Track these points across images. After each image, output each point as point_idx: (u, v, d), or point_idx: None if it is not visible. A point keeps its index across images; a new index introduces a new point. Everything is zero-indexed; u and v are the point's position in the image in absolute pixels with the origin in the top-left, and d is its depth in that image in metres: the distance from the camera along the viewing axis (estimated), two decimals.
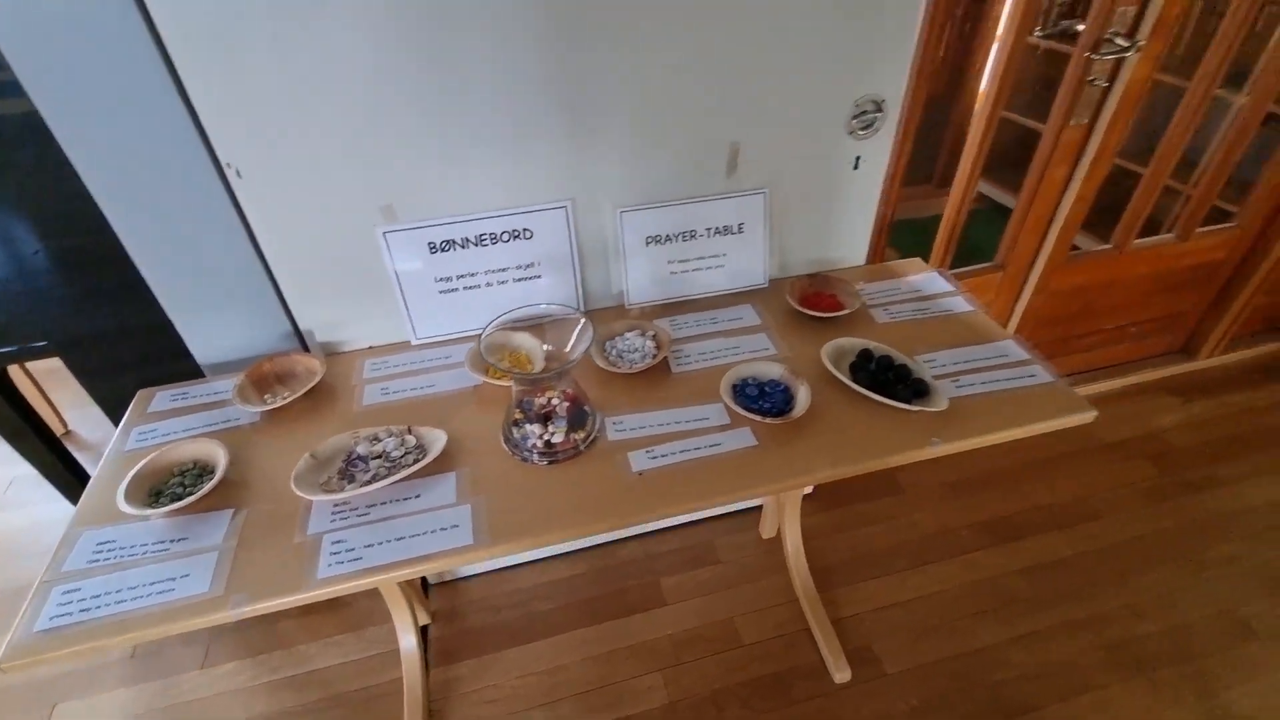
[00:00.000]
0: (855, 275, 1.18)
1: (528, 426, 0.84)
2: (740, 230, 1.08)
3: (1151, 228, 1.77)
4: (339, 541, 0.75)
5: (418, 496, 0.79)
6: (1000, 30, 1.28)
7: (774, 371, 0.93)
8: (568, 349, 0.85)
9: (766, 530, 1.62)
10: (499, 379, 0.94)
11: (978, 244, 1.73)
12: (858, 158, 1.08)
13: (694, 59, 0.91)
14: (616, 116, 0.94)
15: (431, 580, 1.56)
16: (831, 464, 0.83)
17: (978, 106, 1.38)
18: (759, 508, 1.66)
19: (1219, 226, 1.79)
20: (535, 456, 0.84)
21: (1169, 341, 2.07)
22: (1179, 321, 2.01)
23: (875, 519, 1.65)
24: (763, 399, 0.89)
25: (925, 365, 0.96)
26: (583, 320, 0.83)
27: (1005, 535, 1.60)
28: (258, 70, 0.79)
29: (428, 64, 0.83)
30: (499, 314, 0.85)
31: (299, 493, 0.77)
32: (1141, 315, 1.94)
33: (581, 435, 0.86)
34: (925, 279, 1.18)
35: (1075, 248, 1.73)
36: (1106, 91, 1.37)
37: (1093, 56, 1.30)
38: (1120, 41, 1.28)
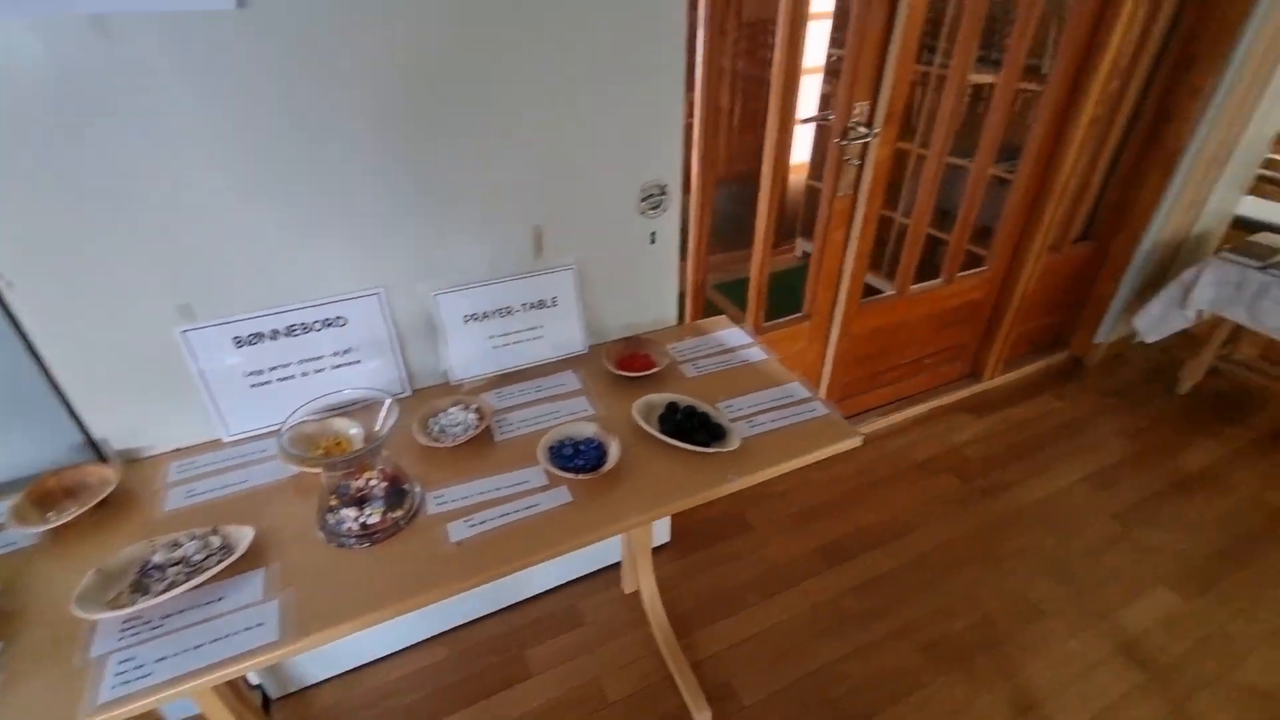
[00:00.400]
0: (668, 335, 1.31)
1: (343, 511, 0.85)
2: (555, 303, 1.17)
3: (934, 272, 2.11)
4: (127, 660, 0.70)
5: (220, 599, 0.77)
6: (769, 121, 1.51)
7: (588, 430, 1.01)
8: (380, 430, 0.88)
9: (628, 585, 1.66)
10: (316, 467, 0.94)
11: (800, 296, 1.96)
12: (653, 233, 1.22)
13: (498, 149, 1.01)
14: (428, 204, 1.01)
15: (272, 694, 1.43)
16: (640, 510, 0.91)
17: (763, 183, 1.60)
18: (619, 564, 1.71)
19: (974, 271, 2.17)
20: (353, 540, 0.85)
21: (959, 369, 2.42)
22: (963, 351, 2.37)
23: (728, 558, 1.75)
24: (577, 457, 0.96)
25: (725, 411, 1.09)
26: (388, 401, 0.87)
27: (839, 558, 1.76)
28: (27, 174, 0.78)
29: (224, 160, 0.86)
30: (317, 401, 0.86)
31: (79, 613, 0.72)
32: (931, 349, 2.27)
33: (400, 513, 0.88)
34: (729, 334, 1.33)
35: (879, 291, 2.02)
36: (860, 169, 1.65)
37: (843, 142, 1.57)
38: (862, 130, 1.57)
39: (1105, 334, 2.51)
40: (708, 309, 1.61)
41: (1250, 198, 2.52)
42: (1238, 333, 2.30)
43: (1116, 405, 2.35)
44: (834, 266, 1.82)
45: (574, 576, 1.69)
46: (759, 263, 1.70)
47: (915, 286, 2.06)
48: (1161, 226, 2.26)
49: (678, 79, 1.08)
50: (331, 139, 0.91)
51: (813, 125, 2.82)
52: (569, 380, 1.17)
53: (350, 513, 0.85)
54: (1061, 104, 1.89)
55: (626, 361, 1.20)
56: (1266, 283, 2.03)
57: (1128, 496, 1.96)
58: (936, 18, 2.63)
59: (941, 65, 2.64)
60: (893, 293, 2.03)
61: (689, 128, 1.20)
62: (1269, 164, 2.43)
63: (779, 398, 1.14)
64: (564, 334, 1.20)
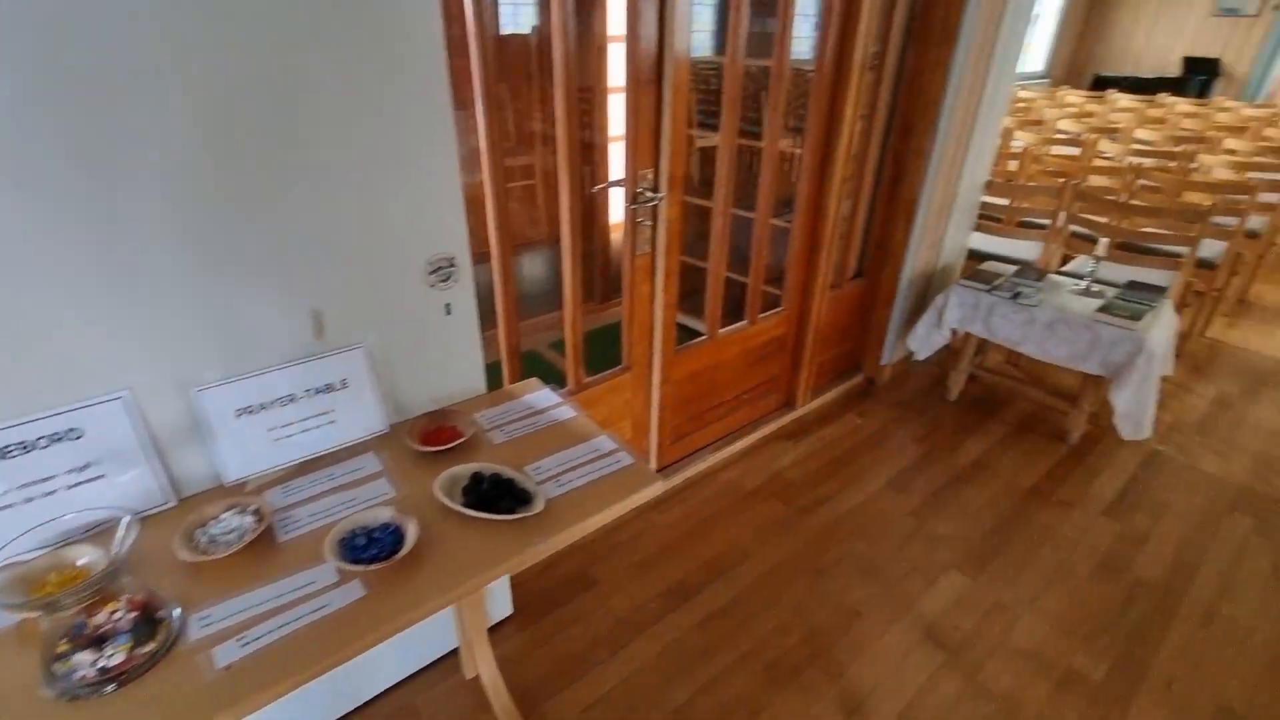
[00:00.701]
0: (477, 404, 1.30)
1: (76, 657, 0.73)
2: (345, 385, 1.12)
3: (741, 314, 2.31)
4: None
5: None
6: (561, 188, 1.60)
7: (384, 515, 0.97)
8: (116, 553, 0.78)
9: (468, 670, 1.57)
10: (37, 610, 0.80)
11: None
12: (447, 305, 1.22)
13: (267, 225, 0.97)
14: (188, 288, 0.93)
15: None
16: (441, 591, 0.88)
17: (564, 246, 1.67)
18: (455, 651, 1.61)
19: (773, 311, 2.41)
20: (90, 690, 0.73)
21: (776, 400, 2.65)
22: (777, 384, 2.60)
23: (575, 619, 1.73)
24: (371, 546, 0.92)
25: (533, 474, 1.10)
26: (125, 519, 0.77)
27: (683, 596, 1.81)
28: None
29: None
30: (46, 533, 0.74)
31: None
32: (748, 384, 2.46)
33: (154, 645, 0.77)
34: (539, 396, 1.35)
35: (700, 333, 2.16)
36: (654, 228, 1.79)
37: (634, 205, 1.70)
38: (650, 194, 1.71)
39: (889, 356, 2.89)
40: (539, 369, 1.63)
41: (977, 234, 3.07)
42: (984, 344, 2.76)
43: (905, 416, 2.70)
44: (645, 319, 1.93)
45: (412, 671, 1.57)
46: (571, 322, 1.76)
47: (723, 330, 2.24)
48: (914, 262, 2.68)
49: (449, 157, 1.12)
50: (62, 207, 0.81)
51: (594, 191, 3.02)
52: (368, 463, 1.12)
53: (86, 657, 0.73)
54: (817, 166, 2.20)
55: (432, 436, 1.17)
56: (994, 302, 2.47)
57: (921, 494, 2.24)
58: (715, 92, 2.96)
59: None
60: (704, 337, 2.19)
61: (486, 198, 1.24)
62: (984, 207, 3.00)
63: (587, 453, 1.17)
64: (359, 416, 1.14)
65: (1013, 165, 3.84)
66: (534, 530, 0.98)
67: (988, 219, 3.18)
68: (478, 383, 1.34)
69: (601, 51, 2.73)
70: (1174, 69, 8.96)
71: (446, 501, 1.00)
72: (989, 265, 2.75)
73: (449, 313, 1.23)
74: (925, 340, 2.68)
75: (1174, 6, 8.97)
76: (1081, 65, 9.90)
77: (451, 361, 1.28)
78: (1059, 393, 2.67)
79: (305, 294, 1.06)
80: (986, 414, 2.71)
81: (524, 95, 2.97)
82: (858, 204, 2.54)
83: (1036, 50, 9.38)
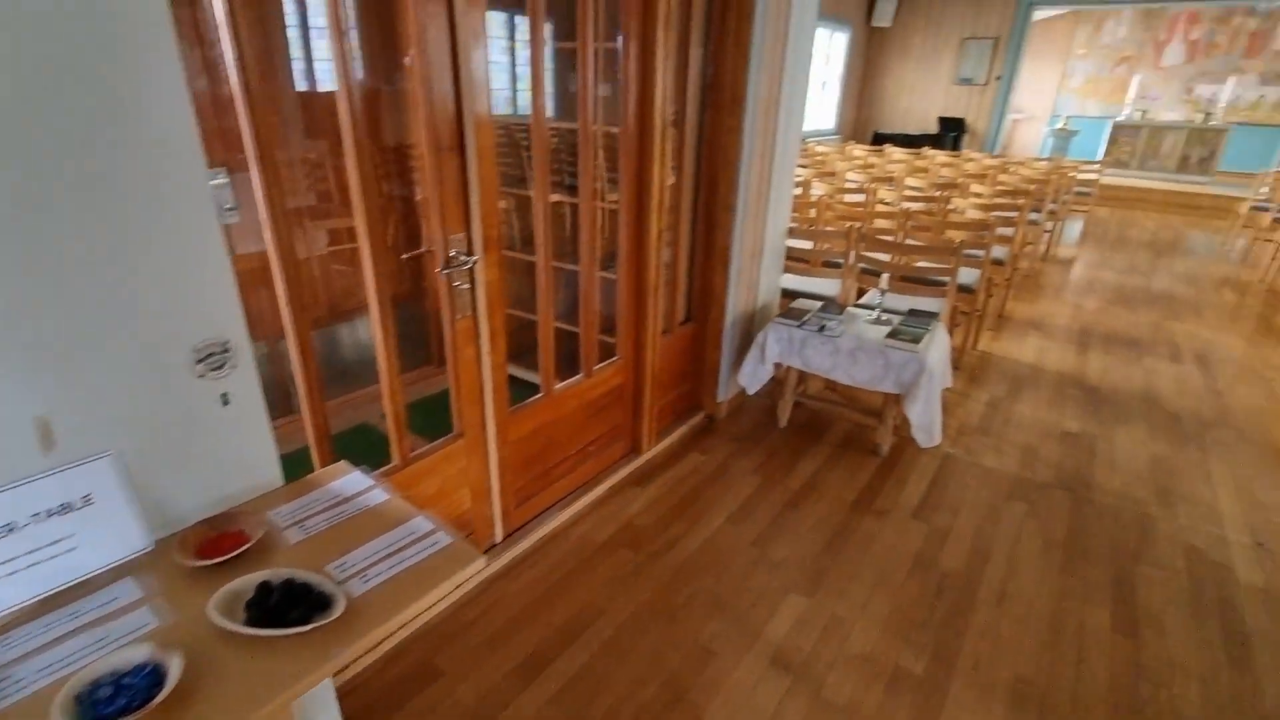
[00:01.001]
0: (272, 500, 1.17)
1: None
2: (89, 503, 0.95)
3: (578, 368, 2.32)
4: None
5: None
6: (361, 255, 1.52)
7: (138, 655, 0.82)
8: None
9: None
10: None
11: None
12: (224, 395, 1.10)
13: None
14: None
15: None
16: None
17: (371, 317, 1.59)
18: None
19: (609, 361, 2.46)
20: None
21: (622, 448, 2.68)
22: (621, 431, 2.64)
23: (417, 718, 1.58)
24: (119, 696, 0.77)
25: (335, 572, 1.00)
26: None
27: (537, 669, 1.73)
28: None
29: None
30: None
31: None
32: (592, 435, 2.47)
33: None
34: (347, 481, 1.24)
35: (543, 389, 2.13)
36: (473, 290, 1.76)
37: (447, 271, 1.67)
38: (464, 258, 1.68)
39: (724, 392, 3.06)
40: (371, 443, 1.50)
41: (788, 274, 3.39)
42: (804, 373, 3.01)
43: (744, 448, 2.86)
44: (473, 382, 1.87)
45: None
46: (390, 393, 1.66)
47: (560, 385, 2.24)
48: (736, 304, 2.89)
49: (210, 230, 1.02)
50: None
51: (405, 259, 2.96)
52: (124, 591, 0.95)
53: None
54: (634, 220, 2.31)
55: (210, 546, 1.02)
56: (805, 336, 2.72)
57: (761, 522, 2.36)
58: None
59: (561, 189, 3.03)
60: (540, 395, 2.17)
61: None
62: (792, 250, 3.33)
63: (402, 538, 1.09)
64: (111, 536, 0.97)
65: (813, 212, 4.32)
66: (334, 638, 0.88)
67: (797, 260, 3.53)
68: (272, 476, 1.21)
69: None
70: (933, 127, 10.73)
71: (224, 623, 0.87)
72: (799, 302, 3.03)
73: (226, 403, 1.10)
74: (753, 376, 2.87)
75: (926, 77, 10.81)
76: (864, 124, 11.53)
77: (235, 456, 1.14)
78: (870, 411, 2.99)
79: (28, 400, 0.89)
80: (813, 437, 2.95)
81: (341, 154, 2.83)
82: (678, 253, 2.70)
83: (828, 110, 10.79)
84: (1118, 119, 10.61)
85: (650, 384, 2.59)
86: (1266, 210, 6.43)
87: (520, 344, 2.92)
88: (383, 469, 1.71)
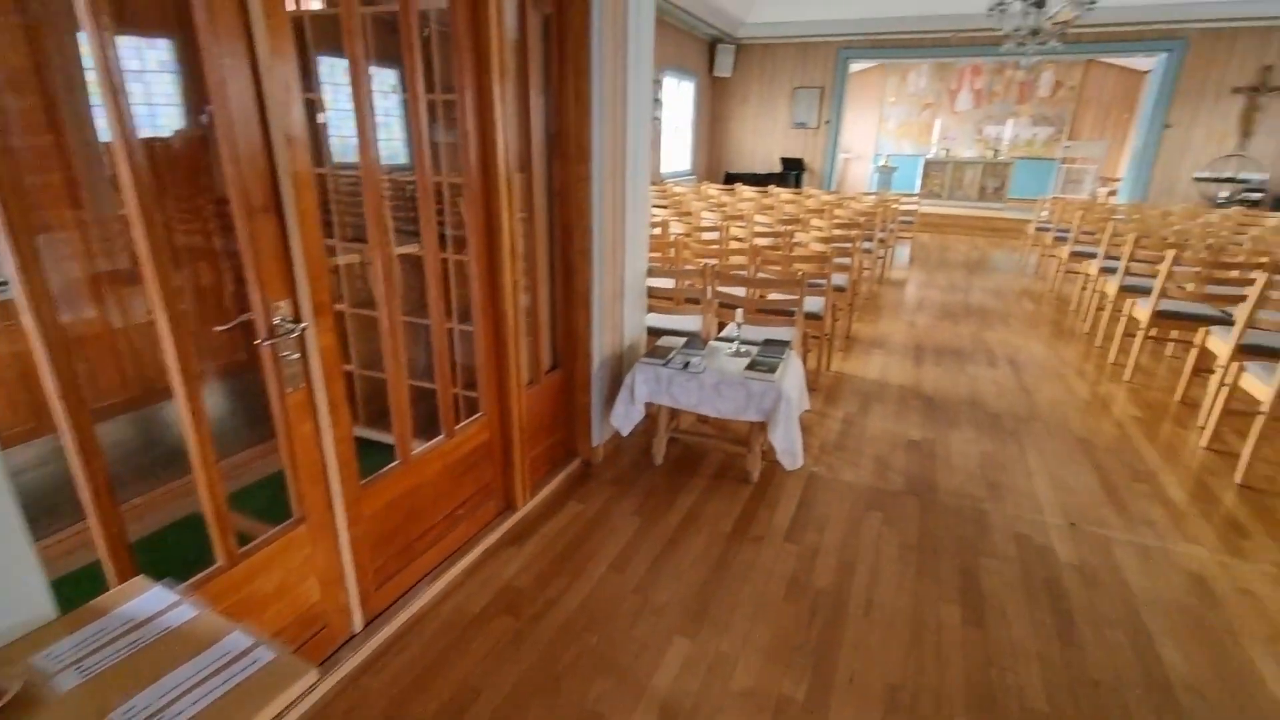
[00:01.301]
0: (40, 639, 0.97)
1: None
2: None
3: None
4: None
5: None
6: (160, 333, 1.35)
7: None
8: None
9: None
10: None
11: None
12: None
13: None
14: None
15: None
16: None
17: (176, 398, 1.40)
18: None
19: (472, 418, 2.35)
20: None
21: (495, 506, 2.56)
22: (492, 490, 2.52)
23: None
24: None
25: (123, 718, 0.83)
26: None
27: None
28: None
29: None
30: None
31: None
32: (461, 498, 2.34)
33: None
34: (145, 600, 1.06)
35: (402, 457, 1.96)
36: (305, 361, 1.61)
37: (271, 341, 1.51)
38: (290, 325, 1.54)
39: (599, 437, 3.03)
40: (199, 543, 1.30)
41: (653, 313, 3.47)
42: (675, 411, 3.07)
43: (622, 490, 2.84)
44: (313, 461, 1.70)
45: None
46: (206, 485, 1.46)
47: (419, 449, 2.10)
48: (601, 348, 2.90)
49: None
50: None
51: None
52: None
53: None
54: (485, 270, 2.26)
55: None
56: (671, 374, 2.78)
57: (642, 567, 2.33)
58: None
59: (414, 239, 2.90)
60: (396, 463, 2.02)
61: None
62: (654, 289, 3.42)
63: (212, 662, 0.94)
64: None
65: (672, 251, 4.48)
66: None
67: (662, 298, 3.63)
68: (40, 609, 1.01)
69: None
70: (777, 166, 11.66)
71: None
72: (665, 340, 3.10)
73: None
74: (625, 417, 2.88)
75: (766, 121, 11.77)
76: (716, 164, 12.30)
77: None
78: (740, 441, 3.09)
79: None
80: (690, 470, 2.99)
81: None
82: (537, 300, 2.67)
83: (683, 153, 11.40)
84: (928, 156, 12.20)
85: (519, 437, 2.51)
86: (1048, 230, 7.60)
87: (379, 407, 2.74)
88: (205, 572, 1.49)
